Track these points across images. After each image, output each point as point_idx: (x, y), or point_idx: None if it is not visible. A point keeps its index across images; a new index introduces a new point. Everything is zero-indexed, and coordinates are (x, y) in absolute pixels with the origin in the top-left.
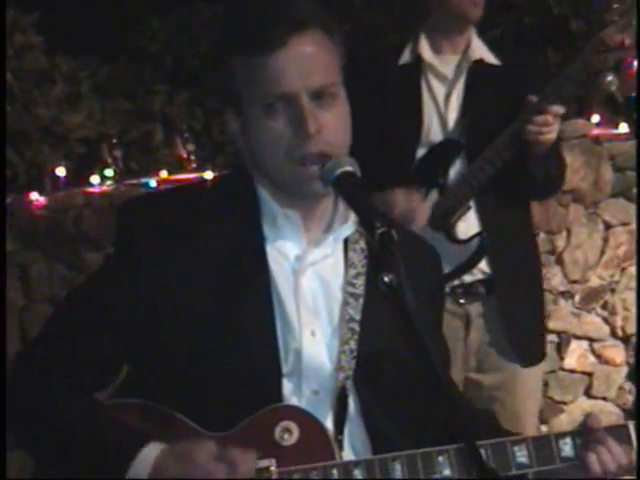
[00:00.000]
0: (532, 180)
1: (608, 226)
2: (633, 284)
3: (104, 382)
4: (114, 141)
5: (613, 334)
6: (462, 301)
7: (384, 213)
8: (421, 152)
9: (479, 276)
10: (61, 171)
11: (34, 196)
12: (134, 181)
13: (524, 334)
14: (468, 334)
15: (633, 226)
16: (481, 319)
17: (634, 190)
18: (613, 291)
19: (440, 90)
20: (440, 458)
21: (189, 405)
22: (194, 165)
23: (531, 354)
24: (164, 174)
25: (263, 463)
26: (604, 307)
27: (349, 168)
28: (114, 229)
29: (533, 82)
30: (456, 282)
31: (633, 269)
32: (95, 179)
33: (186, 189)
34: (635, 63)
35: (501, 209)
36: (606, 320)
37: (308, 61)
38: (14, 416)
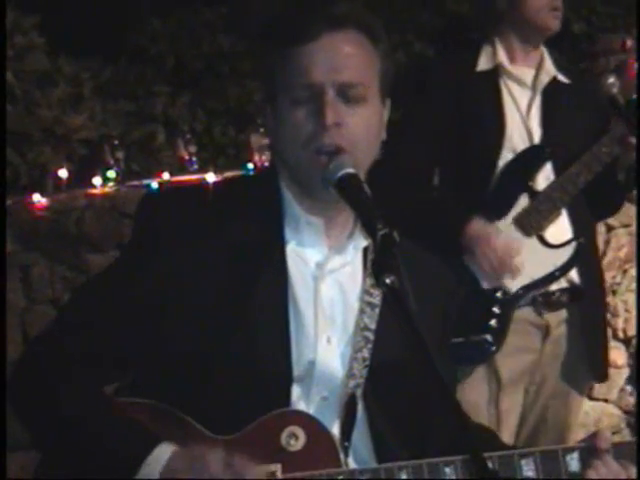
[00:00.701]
0: (617, 190)
1: (610, 228)
2: (634, 286)
3: (115, 376)
4: (116, 142)
5: (614, 336)
6: (543, 311)
7: (386, 215)
8: (504, 157)
9: (564, 284)
10: (63, 172)
11: (36, 197)
12: (136, 182)
13: (601, 348)
14: (544, 347)
15: (634, 228)
16: (559, 330)
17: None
18: (615, 293)
19: (522, 96)
20: (447, 469)
21: (197, 406)
22: (196, 166)
23: (603, 369)
24: (166, 175)
25: (269, 468)
26: (605, 309)
27: (351, 170)
28: (134, 220)
29: (599, 104)
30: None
31: (635, 271)
32: (97, 180)
33: (210, 187)
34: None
35: (587, 217)
36: (608, 322)
37: (339, 57)
38: (23, 408)
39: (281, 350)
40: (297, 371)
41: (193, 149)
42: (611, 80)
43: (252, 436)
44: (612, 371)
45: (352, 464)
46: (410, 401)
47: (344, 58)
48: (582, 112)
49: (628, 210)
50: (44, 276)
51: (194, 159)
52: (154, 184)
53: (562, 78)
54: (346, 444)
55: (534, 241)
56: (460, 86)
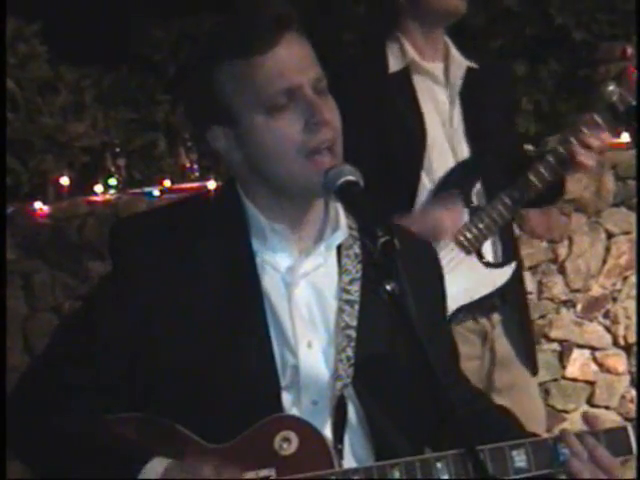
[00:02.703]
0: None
1: (610, 235)
2: (635, 293)
3: (108, 401)
4: (117, 150)
5: (615, 343)
6: (479, 317)
7: (386, 221)
8: (428, 166)
9: (493, 288)
10: (64, 180)
11: (37, 205)
12: (137, 190)
13: (532, 344)
14: (484, 352)
15: (635, 235)
16: (496, 333)
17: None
18: (615, 300)
19: (440, 95)
20: (439, 464)
21: (190, 420)
22: (197, 174)
23: (535, 363)
24: (167, 183)
25: (263, 472)
26: (606, 316)
27: (351, 177)
28: (108, 251)
29: (507, 84)
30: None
31: (635, 278)
32: (99, 188)
33: (175, 207)
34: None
35: (510, 229)
36: (608, 329)
37: (301, 56)
38: (17, 435)
39: (265, 361)
40: (284, 379)
41: (194, 157)
42: (611, 88)
43: (245, 442)
44: (613, 378)
45: (351, 465)
46: (401, 394)
47: (304, 56)
48: (496, 96)
49: (628, 217)
50: (46, 283)
51: (195, 167)
52: (155, 192)
53: (472, 64)
54: (339, 446)
55: (473, 260)
56: (374, 92)
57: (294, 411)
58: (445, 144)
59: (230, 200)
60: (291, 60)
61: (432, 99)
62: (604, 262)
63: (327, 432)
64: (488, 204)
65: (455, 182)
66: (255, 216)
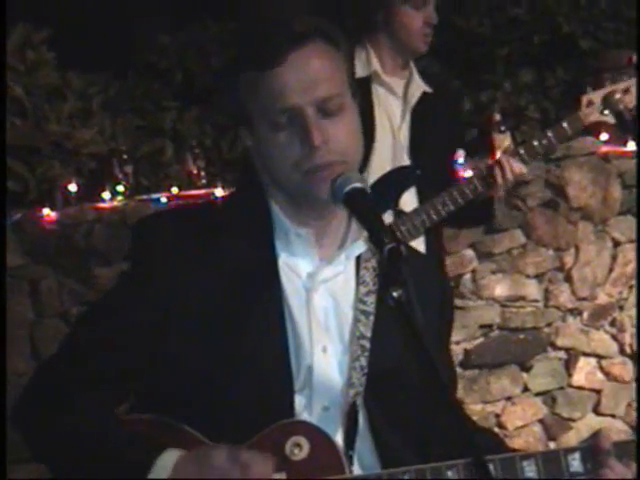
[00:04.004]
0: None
1: (617, 243)
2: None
3: (121, 397)
4: (125, 157)
5: (621, 351)
6: None
7: (393, 229)
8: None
9: None
10: (72, 186)
11: (45, 211)
12: (145, 197)
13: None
14: None
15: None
16: None
17: None
18: (621, 308)
19: (395, 107)
20: (449, 472)
21: (201, 420)
22: (204, 181)
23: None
24: (174, 190)
25: (273, 477)
26: (612, 324)
27: (358, 185)
28: (129, 246)
29: (455, 109)
30: None
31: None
32: (106, 194)
33: (199, 206)
34: None
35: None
36: (614, 337)
37: (311, 74)
38: (30, 430)
39: (280, 363)
40: (298, 382)
41: (201, 163)
42: (617, 96)
43: (256, 446)
44: (619, 386)
45: (357, 472)
46: (411, 406)
47: (315, 73)
48: (444, 119)
49: (635, 225)
50: (53, 290)
51: (202, 174)
52: (163, 198)
53: (427, 89)
54: (350, 453)
55: None
56: None
57: (304, 415)
58: (388, 151)
59: (257, 201)
60: (295, 79)
61: (386, 108)
62: (610, 270)
63: (337, 439)
64: (412, 210)
65: (387, 184)
66: (280, 219)
